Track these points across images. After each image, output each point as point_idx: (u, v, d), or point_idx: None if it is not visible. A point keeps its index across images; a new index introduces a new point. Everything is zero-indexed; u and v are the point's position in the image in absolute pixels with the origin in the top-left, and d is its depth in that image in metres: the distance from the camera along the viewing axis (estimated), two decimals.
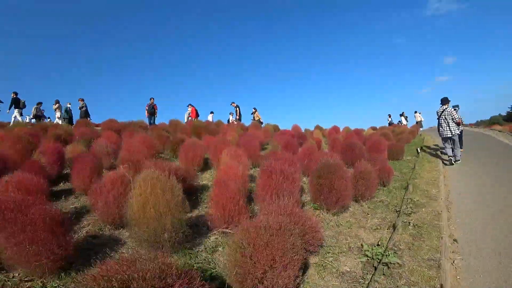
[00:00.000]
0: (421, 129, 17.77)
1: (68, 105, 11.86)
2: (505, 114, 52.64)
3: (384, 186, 4.99)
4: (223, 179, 3.51)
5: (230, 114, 13.79)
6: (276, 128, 12.18)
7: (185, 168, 4.76)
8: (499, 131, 12.04)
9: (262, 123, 12.77)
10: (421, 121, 17.72)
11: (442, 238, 3.20)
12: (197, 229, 3.24)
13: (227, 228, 3.10)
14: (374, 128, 13.78)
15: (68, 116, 11.52)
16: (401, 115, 19.38)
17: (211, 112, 13.91)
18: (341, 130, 12.81)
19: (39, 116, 11.96)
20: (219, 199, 3.23)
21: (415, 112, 18.01)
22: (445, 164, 7.21)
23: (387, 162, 5.70)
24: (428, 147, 11.16)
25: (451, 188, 5.34)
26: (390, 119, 19.65)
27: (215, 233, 3.07)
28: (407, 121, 18.89)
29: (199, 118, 11.99)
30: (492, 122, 48.90)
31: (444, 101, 7.28)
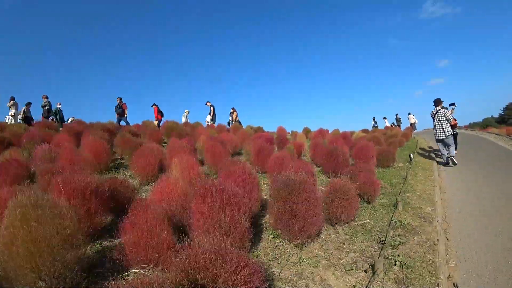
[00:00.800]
0: (414, 131, 17.06)
1: (58, 106, 11.29)
2: (497, 116, 52.71)
3: (369, 203, 4.13)
4: (144, 203, 2.62)
5: (208, 114, 12.92)
6: (259, 130, 11.30)
7: (120, 182, 3.85)
8: (497, 135, 11.31)
9: (233, 123, 11.89)
10: (414, 123, 17.00)
11: (438, 285, 2.32)
12: (112, 265, 2.35)
13: (144, 267, 2.25)
14: (365, 131, 12.97)
15: (58, 117, 11.06)
16: (385, 118, 18.75)
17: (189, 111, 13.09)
18: (330, 132, 12.02)
19: (28, 117, 11.10)
20: (133, 229, 2.37)
21: (409, 114, 17.30)
22: (441, 164, 7.01)
23: (374, 173, 4.84)
24: (423, 149, 10.44)
25: (448, 203, 4.50)
26: (374, 123, 18.96)
27: (128, 274, 2.20)
28: (400, 123, 18.17)
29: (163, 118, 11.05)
30: (485, 124, 48.90)
31: (437, 102, 7.08)
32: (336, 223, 3.31)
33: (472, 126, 43.12)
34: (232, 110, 12.38)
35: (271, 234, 3.04)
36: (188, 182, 4.04)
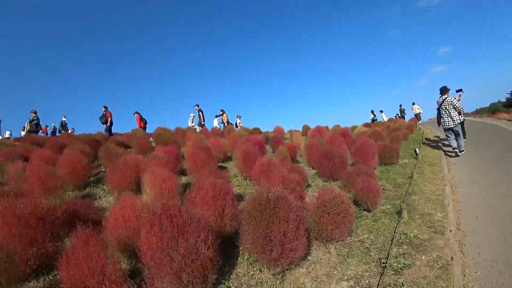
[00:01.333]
0: (420, 121, 16.31)
1: (63, 119, 11.47)
2: (504, 100, 51.02)
3: (369, 211, 3.58)
4: (87, 232, 2.16)
5: (191, 116, 12.40)
6: (255, 132, 10.78)
7: (82, 202, 3.41)
8: (508, 120, 10.54)
9: (226, 125, 11.37)
10: (419, 113, 16.24)
11: None
12: None
13: None
14: (367, 125, 12.33)
15: (64, 130, 11.23)
16: (381, 111, 18.03)
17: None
18: (331, 128, 11.41)
19: (32, 131, 11.05)
20: (68, 267, 1.93)
21: (413, 104, 16.52)
22: (450, 157, 6.81)
23: (375, 175, 4.28)
24: (429, 140, 9.82)
25: (462, 205, 3.91)
26: (372, 116, 18.22)
27: None
28: (404, 114, 17.40)
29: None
30: (492, 109, 47.42)
31: (444, 90, 6.86)
32: (327, 242, 2.79)
33: (479, 112, 41.80)
34: (221, 112, 11.84)
35: (247, 259, 2.54)
36: (157, 199, 3.59)
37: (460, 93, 7.27)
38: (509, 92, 51.22)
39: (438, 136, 10.95)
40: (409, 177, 4.95)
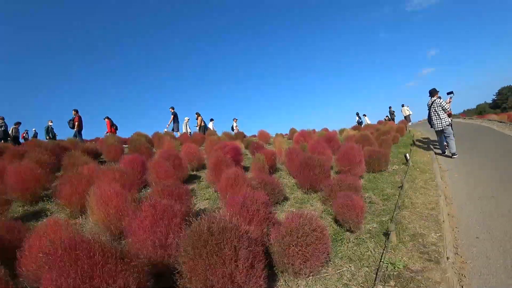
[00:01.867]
0: (409, 123, 16.04)
1: (50, 123, 10.91)
2: (490, 102, 52.10)
3: (352, 232, 3.03)
4: None
5: (185, 119, 11.82)
6: (239, 136, 10.18)
7: (7, 225, 2.75)
8: (500, 122, 10.26)
9: (203, 129, 10.78)
10: (409, 115, 15.96)
11: None
12: None
13: None
14: (356, 128, 11.89)
15: (51, 135, 10.70)
16: (364, 115, 17.72)
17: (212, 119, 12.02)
18: (319, 131, 10.91)
19: (16, 137, 10.79)
20: None
21: (402, 105, 16.24)
22: (441, 155, 6.97)
23: (359, 187, 3.73)
24: (420, 142, 9.63)
25: (459, 222, 3.40)
26: (358, 118, 17.88)
27: None
28: (394, 116, 17.11)
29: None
30: (479, 110, 48.39)
31: (433, 92, 6.87)
32: (295, 276, 2.21)
33: (466, 113, 42.39)
34: (196, 115, 11.18)
35: None
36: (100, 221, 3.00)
37: (451, 95, 7.31)
38: (495, 94, 52.33)
39: (428, 138, 10.64)
40: (399, 187, 4.44)
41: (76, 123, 8.68)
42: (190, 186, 4.89)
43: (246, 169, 5.57)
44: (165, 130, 10.20)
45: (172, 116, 10.66)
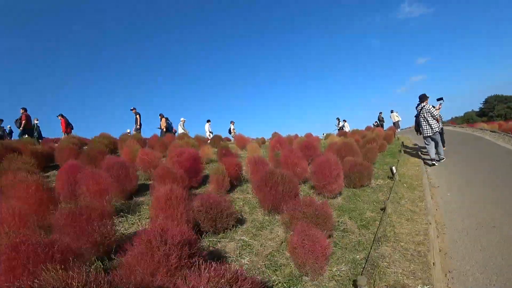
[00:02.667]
0: (398, 130, 15.50)
1: (36, 121, 10.02)
2: (478, 110, 52.88)
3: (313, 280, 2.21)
4: None
5: (181, 120, 11.07)
6: (216, 140, 9.32)
7: None
8: (492, 132, 9.72)
9: (164, 132, 9.94)
10: (398, 121, 15.41)
11: None
12: None
13: None
14: (342, 133, 11.20)
15: (37, 133, 9.78)
16: (345, 121, 17.14)
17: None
18: (302, 136, 10.14)
19: (0, 135, 10.09)
20: None
21: (391, 111, 15.68)
22: (428, 165, 6.70)
23: (329, 214, 2.91)
24: (409, 149, 9.21)
25: (454, 264, 2.63)
26: (338, 123, 17.26)
27: None
28: (383, 122, 16.56)
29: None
30: (466, 118, 49.06)
31: (422, 98, 6.69)
32: None
33: (454, 120, 42.74)
34: (160, 117, 10.29)
35: None
36: None
37: (441, 101, 7.20)
38: (483, 102, 53.13)
39: (416, 144, 10.10)
40: (381, 209, 3.68)
41: (24, 122, 7.67)
42: (140, 199, 4.04)
43: (205, 181, 4.73)
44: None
45: (136, 116, 9.75)
